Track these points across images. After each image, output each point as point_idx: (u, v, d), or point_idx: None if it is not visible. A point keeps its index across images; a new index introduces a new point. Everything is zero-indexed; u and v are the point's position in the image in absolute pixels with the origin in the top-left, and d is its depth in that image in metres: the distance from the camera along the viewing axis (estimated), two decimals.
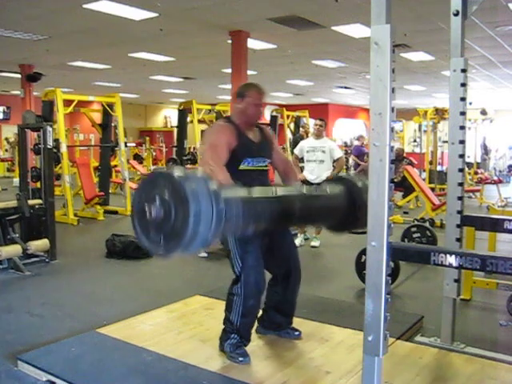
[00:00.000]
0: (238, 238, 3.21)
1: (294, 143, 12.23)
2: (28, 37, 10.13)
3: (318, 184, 7.01)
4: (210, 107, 13.80)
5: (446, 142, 3.80)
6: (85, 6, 7.85)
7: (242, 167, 3.31)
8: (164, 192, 2.52)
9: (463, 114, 3.41)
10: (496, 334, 4.05)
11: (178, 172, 2.57)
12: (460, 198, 3.43)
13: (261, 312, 3.62)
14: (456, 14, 3.38)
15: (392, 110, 2.19)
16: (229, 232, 2.87)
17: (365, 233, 2.29)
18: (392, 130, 2.20)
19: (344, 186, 3.50)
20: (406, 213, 10.14)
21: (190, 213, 2.41)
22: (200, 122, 13.67)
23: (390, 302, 2.27)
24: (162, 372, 3.14)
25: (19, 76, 14.26)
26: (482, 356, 3.44)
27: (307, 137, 11.96)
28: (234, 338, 3.28)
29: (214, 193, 2.52)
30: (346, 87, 18.27)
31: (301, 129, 13.58)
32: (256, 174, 3.37)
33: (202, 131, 16.33)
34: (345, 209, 3.44)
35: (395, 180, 8.85)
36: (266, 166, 3.51)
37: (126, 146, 11.56)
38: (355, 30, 9.32)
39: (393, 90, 2.19)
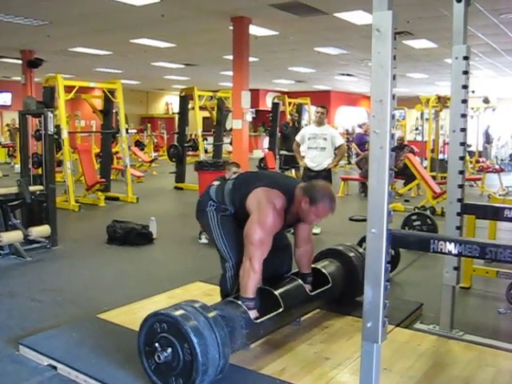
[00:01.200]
0: (222, 217, 3.35)
1: (281, 130, 12.39)
2: (29, 22, 10.07)
3: (319, 171, 7.04)
4: (211, 94, 13.77)
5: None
6: None
7: None
8: (167, 335, 2.70)
9: (465, 101, 3.40)
10: (495, 322, 4.07)
11: (177, 312, 2.72)
12: (460, 186, 3.43)
13: None
14: (459, 1, 3.35)
15: (393, 97, 2.18)
16: (235, 348, 2.97)
17: (365, 220, 2.29)
18: (393, 117, 2.19)
19: (338, 262, 3.96)
20: (406, 201, 10.12)
21: (196, 350, 2.59)
22: (201, 108, 13.64)
23: (389, 289, 2.28)
24: None
25: (20, 62, 14.19)
26: (480, 343, 3.46)
27: (293, 125, 12.00)
28: None
29: (216, 323, 2.73)
30: (348, 74, 18.19)
31: (288, 116, 13.53)
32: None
33: (204, 118, 16.38)
34: (343, 285, 3.88)
35: (396, 168, 8.81)
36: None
37: (127, 132, 11.54)
38: (357, 17, 9.26)
39: (394, 77, 2.18)
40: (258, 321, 3.04)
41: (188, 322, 2.64)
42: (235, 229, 3.33)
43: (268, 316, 3.11)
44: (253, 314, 3.04)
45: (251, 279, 3.07)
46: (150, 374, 2.78)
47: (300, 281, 3.53)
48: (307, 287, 3.54)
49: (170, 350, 2.68)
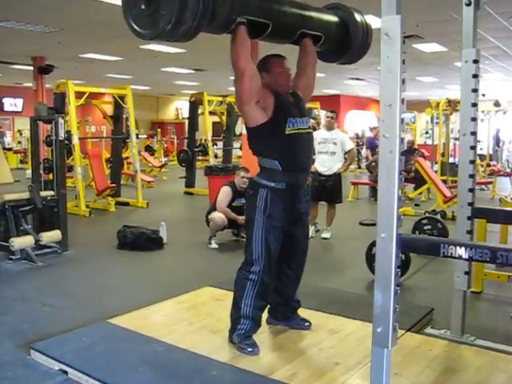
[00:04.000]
0: (269, 217, 3.25)
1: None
2: (40, 29, 10.16)
3: (330, 176, 7.04)
4: (221, 99, 13.80)
5: (457, 138, 3.77)
6: None
7: (288, 131, 3.25)
8: None
9: (475, 105, 3.38)
10: (507, 327, 4.04)
11: None
12: (471, 190, 3.41)
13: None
14: (468, 4, 3.34)
15: (402, 101, 2.18)
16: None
17: (375, 225, 2.29)
18: (402, 121, 2.19)
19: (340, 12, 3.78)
20: (417, 205, 10.09)
21: None
22: (211, 113, 13.68)
23: (399, 293, 2.27)
24: (172, 362, 3.17)
25: (31, 68, 14.30)
26: (492, 349, 3.43)
27: (318, 128, 11.98)
28: (241, 329, 3.30)
29: None
30: (357, 78, 18.15)
31: (312, 120, 13.54)
32: (303, 140, 3.34)
33: (214, 123, 16.41)
34: (338, 31, 3.69)
35: (406, 173, 8.78)
36: (309, 127, 3.46)
37: (137, 137, 11.62)
38: None
39: (403, 82, 2.18)
40: None
41: None
42: (277, 237, 3.31)
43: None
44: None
45: None
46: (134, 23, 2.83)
47: None
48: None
49: None
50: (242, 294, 3.31)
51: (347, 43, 3.72)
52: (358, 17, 3.66)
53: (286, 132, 3.24)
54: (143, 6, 2.68)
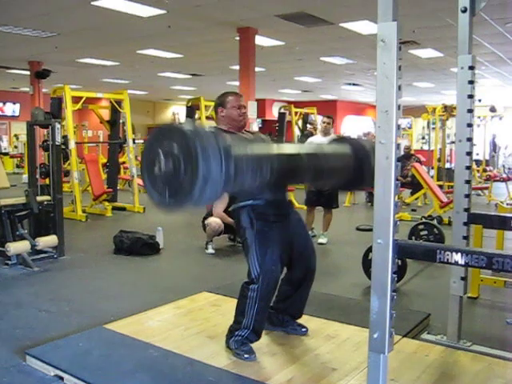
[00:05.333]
0: (259, 232, 3.23)
1: (303, 140, 12.24)
2: (37, 34, 10.18)
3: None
4: None
5: (453, 142, 3.76)
6: (93, 3, 7.87)
7: None
8: (174, 146, 2.49)
9: (471, 111, 3.39)
10: (503, 332, 4.04)
11: (188, 126, 2.55)
12: (467, 196, 3.42)
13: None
14: (464, 11, 3.36)
15: (398, 107, 2.18)
16: (237, 188, 2.79)
17: (372, 230, 2.29)
18: (398, 127, 2.19)
19: (350, 146, 3.57)
20: (413, 210, 10.11)
21: (199, 169, 2.39)
22: (208, 118, 13.69)
23: (395, 299, 2.27)
24: (168, 368, 3.16)
25: (28, 73, 14.32)
26: (488, 354, 3.42)
27: (315, 133, 12.01)
28: (239, 336, 3.29)
29: (224, 149, 2.49)
30: (354, 84, 18.21)
31: (309, 125, 13.58)
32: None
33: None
34: (351, 167, 3.48)
35: (403, 178, 8.78)
36: None
37: (134, 142, 11.58)
38: (363, 27, 9.30)
39: (399, 88, 2.18)
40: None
41: (198, 138, 2.46)
42: (273, 248, 3.28)
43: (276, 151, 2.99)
44: None
45: None
46: (148, 185, 2.64)
47: None
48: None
49: (172, 161, 2.50)
50: (244, 307, 3.28)
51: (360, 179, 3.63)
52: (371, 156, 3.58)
53: None
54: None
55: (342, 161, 3.50)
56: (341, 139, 4.00)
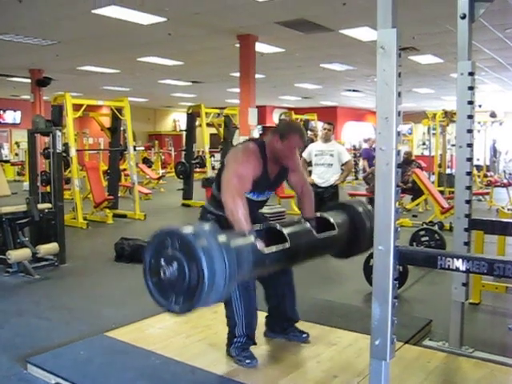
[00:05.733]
0: None
1: (303, 147, 12.23)
2: (38, 42, 10.21)
3: (327, 188, 7.04)
4: (218, 111, 13.84)
5: (454, 145, 3.75)
6: (94, 11, 7.91)
7: (246, 196, 3.24)
8: (175, 251, 2.59)
9: (471, 117, 3.39)
10: (505, 338, 4.03)
11: (187, 230, 2.63)
12: (468, 202, 3.41)
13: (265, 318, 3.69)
14: (463, 18, 3.37)
15: (398, 114, 2.19)
16: (240, 279, 2.89)
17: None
18: (398, 134, 2.20)
19: (346, 214, 3.71)
20: (414, 216, 10.09)
21: (204, 271, 2.47)
22: (208, 125, 13.71)
23: (397, 306, 2.26)
24: (169, 375, 3.15)
25: (29, 81, 14.37)
26: (490, 360, 3.41)
27: (315, 140, 12.02)
28: (238, 342, 3.30)
29: (225, 247, 2.59)
30: (354, 90, 18.25)
31: (309, 132, 13.58)
32: (255, 205, 3.38)
33: (212, 135, 16.44)
34: (348, 238, 3.65)
35: (403, 184, 8.73)
36: (268, 198, 3.54)
37: (134, 149, 11.60)
38: (363, 33, 9.32)
39: (399, 94, 2.19)
40: (265, 250, 2.93)
41: (199, 242, 2.54)
42: None
43: (274, 247, 3.00)
44: (259, 243, 2.94)
45: (239, 211, 3.00)
46: (152, 289, 2.72)
47: (307, 223, 3.44)
48: (313, 231, 3.43)
49: (175, 266, 2.57)
50: (231, 309, 3.31)
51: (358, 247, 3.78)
52: (367, 223, 3.63)
53: (245, 196, 3.23)
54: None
55: (338, 242, 3.63)
56: (337, 206, 4.00)
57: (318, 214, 3.59)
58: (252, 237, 2.92)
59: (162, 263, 2.62)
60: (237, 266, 2.63)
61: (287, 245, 3.08)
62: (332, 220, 3.59)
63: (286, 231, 3.16)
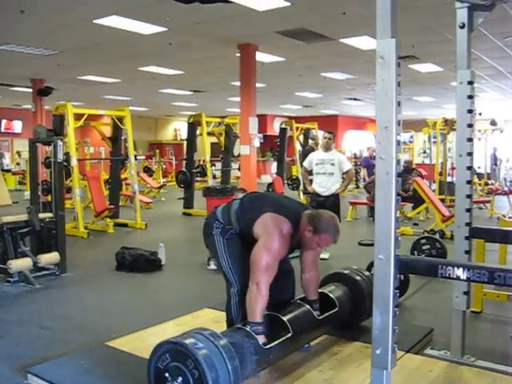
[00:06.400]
0: (228, 239, 3.37)
1: (304, 155, 12.27)
2: (39, 52, 10.25)
3: (328, 196, 7.05)
4: (219, 120, 13.88)
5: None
6: (95, 21, 7.94)
7: None
8: (178, 364, 2.67)
9: (471, 126, 3.40)
10: (507, 347, 4.01)
11: (188, 340, 2.70)
12: (468, 210, 3.42)
13: None
14: (462, 27, 3.38)
15: (398, 123, 2.20)
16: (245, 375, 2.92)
17: (374, 245, 2.29)
18: (398, 143, 2.20)
19: (345, 285, 3.93)
20: (415, 224, 10.09)
21: (208, 379, 2.56)
22: (209, 134, 13.75)
23: (398, 314, 2.26)
24: None
25: (31, 90, 14.41)
26: (492, 369, 3.40)
27: (316, 149, 12.04)
28: None
29: (226, 351, 2.70)
30: (355, 99, 18.29)
31: (310, 141, 13.64)
32: None
33: (212, 144, 16.48)
34: (349, 311, 3.85)
35: (404, 192, 8.72)
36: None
37: (135, 158, 11.64)
38: (363, 42, 9.35)
39: (399, 104, 2.20)
40: (268, 346, 3.01)
41: (200, 352, 2.62)
42: (242, 254, 3.32)
43: (277, 341, 3.08)
44: (261, 339, 3.01)
45: (259, 303, 3.05)
46: None
47: (307, 306, 3.51)
48: (315, 313, 3.52)
49: (180, 379, 2.65)
50: (232, 316, 3.35)
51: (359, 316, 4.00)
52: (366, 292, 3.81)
53: None
54: None
55: (338, 319, 3.78)
56: (335, 277, 4.12)
57: (319, 291, 3.69)
58: (254, 335, 2.99)
59: (167, 377, 2.70)
60: (240, 367, 2.74)
61: (289, 334, 3.17)
62: (333, 296, 3.75)
63: (287, 318, 3.25)
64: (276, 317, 3.25)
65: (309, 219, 3.24)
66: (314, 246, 3.32)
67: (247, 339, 2.96)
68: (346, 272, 4.14)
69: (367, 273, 4.09)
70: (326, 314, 3.57)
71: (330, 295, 3.75)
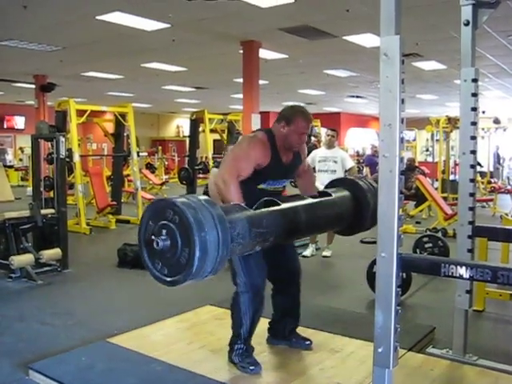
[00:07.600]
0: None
1: (307, 153, 12.23)
2: (42, 48, 10.25)
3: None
4: (221, 117, 13.86)
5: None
6: (98, 17, 7.93)
7: (260, 186, 3.27)
8: (168, 221, 2.53)
9: (474, 124, 3.38)
10: (509, 346, 4.01)
11: (181, 200, 2.56)
12: (471, 209, 3.40)
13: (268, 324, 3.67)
14: (466, 24, 3.36)
15: (402, 121, 2.18)
16: (236, 253, 2.85)
17: (376, 243, 2.28)
18: (402, 140, 2.19)
19: (347, 189, 3.64)
20: (418, 222, 10.07)
21: (195, 242, 2.44)
22: (212, 131, 13.73)
23: (400, 313, 2.25)
24: (171, 382, 3.15)
25: (33, 86, 14.42)
26: (495, 369, 3.39)
27: (319, 146, 12.01)
28: (240, 349, 3.28)
29: (219, 218, 2.53)
30: (357, 96, 18.26)
31: (313, 138, 13.58)
32: (271, 194, 3.30)
33: (215, 141, 16.47)
34: (351, 212, 3.57)
35: (407, 190, 8.69)
36: (284, 187, 3.50)
37: (138, 155, 11.63)
38: (366, 40, 9.33)
39: (402, 101, 2.18)
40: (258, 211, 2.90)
41: (177, 199, 2.53)
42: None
43: (269, 209, 2.97)
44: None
45: (232, 190, 3.02)
46: (146, 258, 2.71)
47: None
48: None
49: (164, 232, 2.54)
50: (239, 317, 3.29)
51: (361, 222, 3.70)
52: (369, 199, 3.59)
53: (258, 187, 3.26)
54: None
55: (339, 207, 3.56)
56: (339, 181, 3.96)
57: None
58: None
59: (156, 234, 2.58)
60: (231, 237, 2.60)
61: (282, 205, 3.06)
62: (330, 192, 3.58)
63: (279, 199, 3.14)
64: (271, 201, 3.10)
65: (277, 118, 3.34)
66: (297, 140, 3.30)
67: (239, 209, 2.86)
68: (348, 178, 4.00)
69: (375, 184, 3.70)
70: (322, 199, 3.44)
71: (328, 191, 3.60)
